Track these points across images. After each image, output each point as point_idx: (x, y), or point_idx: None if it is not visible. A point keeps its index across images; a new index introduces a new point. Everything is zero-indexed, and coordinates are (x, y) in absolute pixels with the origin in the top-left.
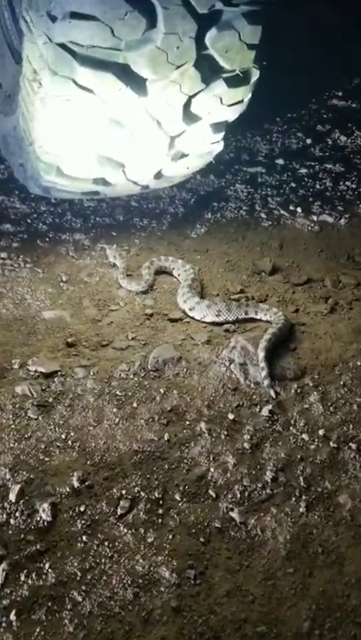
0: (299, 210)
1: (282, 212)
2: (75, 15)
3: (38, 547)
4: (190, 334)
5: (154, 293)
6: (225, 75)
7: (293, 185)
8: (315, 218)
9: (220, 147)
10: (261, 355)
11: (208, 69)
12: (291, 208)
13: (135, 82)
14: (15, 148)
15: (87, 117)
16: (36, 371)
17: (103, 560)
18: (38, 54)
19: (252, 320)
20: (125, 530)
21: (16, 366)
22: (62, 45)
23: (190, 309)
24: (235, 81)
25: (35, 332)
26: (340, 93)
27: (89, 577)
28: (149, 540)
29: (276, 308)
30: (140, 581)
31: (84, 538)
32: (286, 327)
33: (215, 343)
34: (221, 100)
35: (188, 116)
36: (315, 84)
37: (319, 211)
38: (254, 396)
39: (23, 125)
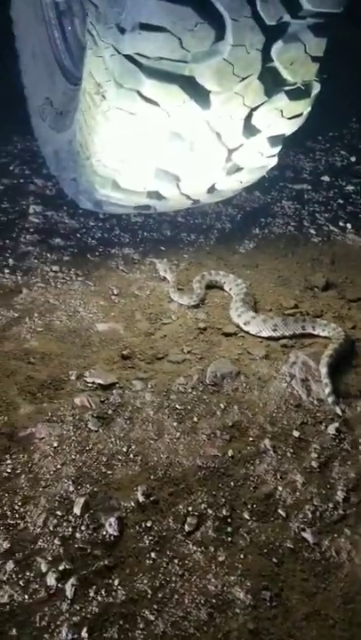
0: (349, 226)
1: (331, 227)
2: (144, 26)
3: (106, 562)
4: (247, 349)
5: (205, 307)
6: (287, 87)
7: (341, 201)
8: None
9: (274, 161)
10: (324, 370)
11: (271, 82)
12: (340, 224)
13: (199, 94)
14: (69, 162)
15: (149, 130)
16: (93, 382)
17: (174, 578)
18: (104, 67)
19: (310, 336)
20: (195, 548)
21: (73, 378)
22: (129, 57)
23: (245, 324)
24: (296, 94)
25: (89, 344)
26: None
27: (160, 595)
28: (220, 559)
29: (335, 324)
30: (214, 601)
31: (152, 554)
32: (348, 343)
33: (274, 358)
34: (282, 112)
35: (248, 128)
36: (353, 103)
37: None
38: (318, 414)
39: (80, 139)
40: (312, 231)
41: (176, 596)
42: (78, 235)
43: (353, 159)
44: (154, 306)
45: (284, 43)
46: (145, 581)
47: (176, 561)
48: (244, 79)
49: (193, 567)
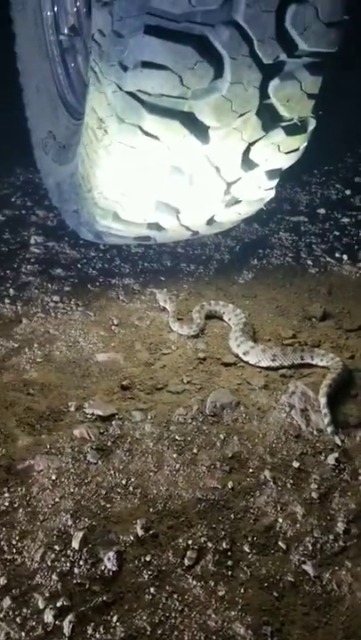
0: (345, 257)
1: (328, 259)
2: (146, 64)
3: (105, 598)
4: (246, 379)
5: (205, 337)
6: (284, 123)
7: (337, 233)
8: None
9: (272, 193)
10: (323, 400)
11: (269, 118)
12: (337, 255)
13: (199, 129)
14: (70, 195)
15: (150, 164)
16: (92, 414)
17: (173, 614)
18: (106, 103)
19: (308, 365)
20: (194, 582)
21: (72, 409)
22: (131, 94)
23: (244, 354)
24: (293, 129)
25: (89, 374)
26: None
27: (159, 632)
28: (220, 594)
29: (333, 354)
30: (214, 638)
31: (151, 590)
32: (346, 373)
33: (273, 388)
34: (279, 147)
35: (246, 162)
36: (347, 139)
37: None
38: (318, 444)
39: (82, 172)
40: (309, 262)
41: (176, 633)
42: (79, 265)
43: (348, 192)
44: (154, 336)
45: (280, 80)
46: (144, 617)
47: (176, 596)
48: (242, 115)
49: (193, 602)
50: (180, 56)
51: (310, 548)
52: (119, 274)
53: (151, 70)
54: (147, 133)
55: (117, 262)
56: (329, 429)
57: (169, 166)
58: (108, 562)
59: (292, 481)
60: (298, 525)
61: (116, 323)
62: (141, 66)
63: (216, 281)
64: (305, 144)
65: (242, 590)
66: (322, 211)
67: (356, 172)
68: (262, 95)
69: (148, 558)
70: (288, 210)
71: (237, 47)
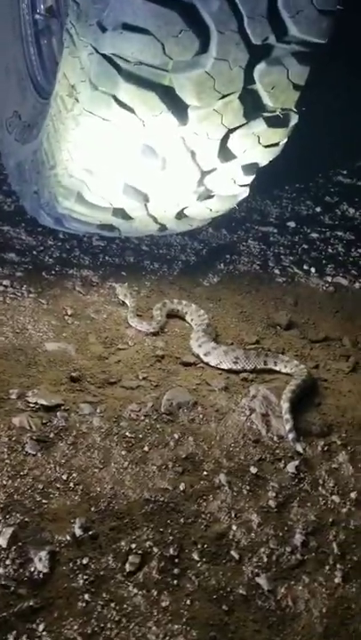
0: (313, 270)
1: (296, 270)
2: (127, 27)
3: (32, 603)
4: (206, 380)
5: (165, 336)
6: (266, 113)
7: (306, 247)
8: (329, 279)
9: (245, 192)
10: (286, 406)
11: (251, 104)
12: (305, 267)
13: (177, 106)
14: (32, 174)
15: (121, 140)
16: (36, 403)
17: (109, 624)
18: (79, 67)
19: (271, 371)
20: (135, 590)
21: (13, 396)
22: (108, 58)
23: (205, 354)
24: (275, 121)
25: (35, 363)
26: (344, 172)
27: None
28: (163, 605)
29: (297, 361)
30: None
31: (86, 596)
32: (310, 380)
33: (233, 391)
34: (259, 139)
35: (224, 152)
36: (319, 159)
37: (333, 273)
38: (278, 450)
39: (46, 147)
40: (277, 271)
41: None
42: (35, 252)
43: (318, 209)
44: (110, 330)
45: (267, 65)
46: (75, 627)
47: (113, 605)
48: (224, 97)
49: (132, 612)
50: (165, 21)
51: (265, 559)
52: (77, 265)
53: (132, 34)
54: (121, 104)
55: (77, 253)
56: (290, 436)
57: (142, 145)
58: (39, 563)
59: (248, 487)
60: (253, 535)
61: (69, 313)
62: (122, 27)
63: (180, 281)
64: (285, 140)
65: (188, 602)
66: (292, 224)
67: (326, 191)
68: (247, 78)
69: (84, 561)
70: (258, 220)
71: (226, 21)
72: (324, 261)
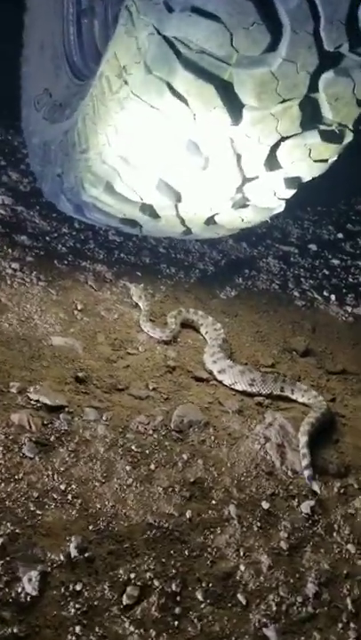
0: (333, 297)
1: (315, 295)
2: (196, 10)
3: (16, 630)
4: (219, 399)
5: (177, 346)
6: (323, 126)
7: (326, 272)
8: (349, 309)
9: (282, 207)
10: (304, 440)
11: (310, 114)
12: (325, 294)
13: (233, 104)
14: (58, 155)
15: (166, 131)
16: (38, 401)
17: None
18: (135, 48)
19: (287, 399)
20: (132, 628)
21: (14, 390)
22: (169, 41)
23: (220, 372)
24: (330, 135)
25: (39, 356)
26: None
27: None
28: None
29: (315, 392)
30: None
31: (76, 629)
32: (329, 414)
33: (247, 415)
34: (310, 152)
35: (271, 160)
36: (342, 187)
37: (353, 303)
38: (291, 487)
39: (81, 129)
40: (296, 294)
41: None
42: (48, 238)
43: (340, 236)
44: (120, 332)
45: (335, 74)
46: None
47: None
48: (284, 101)
49: None
50: (238, 10)
51: (274, 608)
52: (92, 258)
53: (200, 18)
54: (175, 92)
55: (91, 245)
56: (306, 473)
57: (187, 139)
58: (28, 584)
59: (259, 524)
60: (262, 578)
61: (79, 308)
62: (190, 10)
63: (196, 290)
64: (334, 158)
65: None
66: (313, 247)
67: (348, 218)
68: (312, 85)
69: (78, 587)
70: (279, 238)
71: (303, 20)
72: (344, 290)
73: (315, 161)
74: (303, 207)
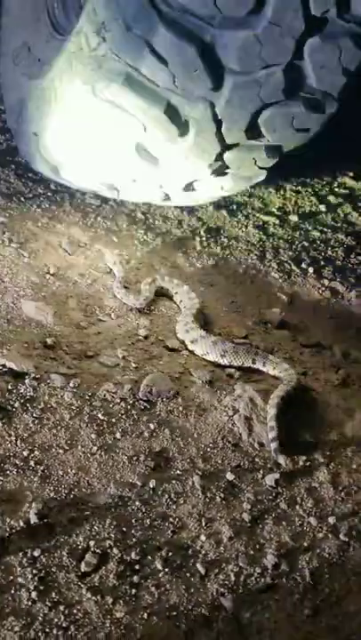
0: (311, 270)
1: (293, 267)
2: None
3: None
4: (190, 369)
5: (150, 314)
6: (306, 94)
7: (306, 244)
8: (326, 282)
9: (262, 176)
10: (272, 412)
11: (294, 81)
12: (303, 266)
13: (214, 68)
14: (34, 113)
15: (144, 93)
16: (4, 365)
17: (54, 631)
18: (115, 3)
19: (258, 371)
20: (89, 594)
21: None
22: None
23: (192, 342)
24: (313, 104)
25: (8, 320)
26: (350, 173)
27: None
28: (118, 616)
29: (287, 365)
30: None
31: (32, 594)
32: (299, 388)
33: (217, 386)
34: (293, 121)
35: (252, 127)
36: (327, 159)
37: (331, 277)
38: (257, 459)
39: (57, 86)
40: (274, 265)
41: None
42: (22, 198)
43: (322, 208)
44: (93, 298)
45: (321, 41)
46: (16, 629)
47: (62, 608)
48: (268, 67)
49: (82, 620)
50: None
51: (232, 578)
52: (67, 221)
53: None
54: (154, 52)
55: (67, 208)
56: (273, 446)
57: (165, 103)
58: None
59: (222, 495)
60: (222, 549)
61: (52, 272)
62: None
63: (173, 258)
64: (317, 129)
65: (145, 616)
66: (294, 218)
67: (331, 190)
68: (297, 51)
69: (36, 553)
70: (260, 207)
71: None
72: (322, 263)
73: (297, 130)
74: (286, 177)
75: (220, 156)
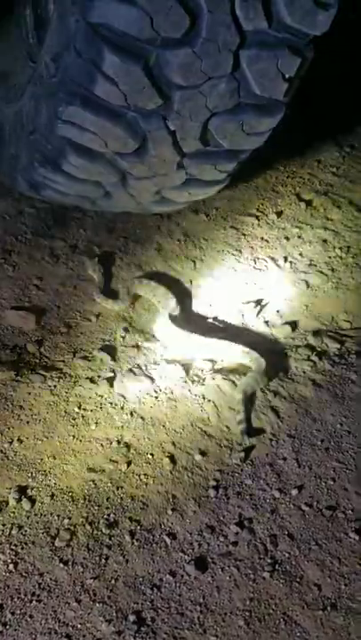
0: (287, 265)
1: (270, 263)
2: None
3: None
4: (165, 361)
5: (130, 314)
6: (252, 101)
7: (284, 241)
8: (302, 276)
9: (226, 180)
10: (239, 397)
11: (238, 90)
12: (279, 262)
13: (161, 83)
14: (12, 136)
15: (102, 112)
16: None
17: (28, 597)
18: (66, 33)
19: (231, 359)
20: (61, 565)
21: None
22: (94, 28)
23: (168, 339)
24: (261, 110)
25: None
26: (334, 169)
27: (7, 615)
28: (88, 583)
29: (257, 353)
30: (70, 630)
31: (10, 567)
32: (267, 373)
33: (190, 377)
34: (243, 125)
35: (206, 135)
36: (305, 154)
37: (307, 270)
38: (225, 441)
39: (28, 111)
40: (251, 262)
41: (26, 619)
42: (7, 216)
43: (302, 205)
44: (75, 304)
45: (257, 51)
46: None
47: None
48: (211, 79)
49: (53, 588)
50: None
51: (196, 547)
52: (49, 235)
53: (120, 4)
54: (105, 75)
55: (50, 222)
56: (240, 428)
57: (123, 120)
58: None
59: (190, 474)
60: (187, 521)
61: (34, 283)
62: None
63: (153, 262)
64: (269, 132)
65: (112, 582)
66: (273, 217)
67: (312, 190)
68: (235, 63)
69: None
70: (238, 209)
71: (218, 1)
72: (299, 256)
73: (248, 134)
74: (264, 176)
75: (180, 165)
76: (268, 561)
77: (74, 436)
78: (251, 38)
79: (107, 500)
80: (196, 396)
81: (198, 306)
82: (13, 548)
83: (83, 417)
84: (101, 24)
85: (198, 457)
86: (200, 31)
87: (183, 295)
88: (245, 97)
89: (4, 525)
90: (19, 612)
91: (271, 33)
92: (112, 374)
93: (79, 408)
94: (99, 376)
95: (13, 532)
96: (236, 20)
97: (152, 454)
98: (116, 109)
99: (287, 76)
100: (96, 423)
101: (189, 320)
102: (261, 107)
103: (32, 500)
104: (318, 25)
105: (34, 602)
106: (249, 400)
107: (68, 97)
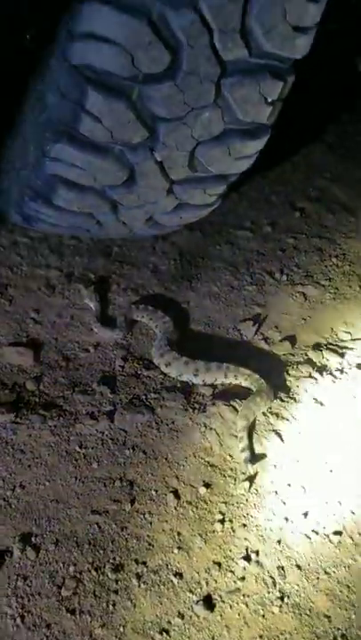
0: (284, 278)
1: (266, 277)
2: (94, 36)
3: None
4: (166, 391)
5: (128, 342)
6: (236, 127)
7: (279, 253)
8: (299, 288)
9: (218, 202)
10: (241, 424)
11: (222, 117)
12: (276, 275)
13: (146, 117)
14: (3, 172)
15: (89, 148)
16: None
17: None
18: (50, 74)
19: (232, 384)
20: (68, 615)
21: None
22: (77, 68)
23: (166, 365)
24: (246, 135)
25: None
26: (327, 175)
27: None
28: (96, 633)
29: (258, 375)
30: None
31: (17, 621)
32: (270, 398)
33: (191, 405)
34: (230, 151)
35: (193, 162)
36: (296, 164)
37: (304, 282)
38: (229, 470)
39: (18, 147)
40: (247, 278)
41: None
42: (1, 248)
43: (296, 215)
44: (73, 334)
45: (238, 79)
46: None
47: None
48: (194, 110)
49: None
50: (134, 32)
51: (204, 586)
52: (45, 265)
53: (100, 43)
54: (88, 113)
55: (45, 252)
56: (243, 456)
57: (110, 153)
58: None
59: (195, 509)
60: (195, 559)
61: (32, 316)
62: (90, 37)
63: (149, 285)
64: (257, 154)
65: (121, 629)
66: (268, 229)
67: (305, 197)
68: (218, 92)
69: (19, 583)
70: (233, 224)
71: (196, 35)
72: (295, 269)
73: (236, 159)
74: (259, 189)
75: (170, 191)
76: (277, 594)
77: (76, 478)
78: (232, 67)
79: (112, 542)
80: (197, 424)
81: (196, 326)
82: (20, 600)
83: (84, 456)
84: (83, 65)
85: (202, 490)
86: (181, 65)
87: (180, 317)
88: (230, 123)
89: (9, 578)
90: None
91: (252, 60)
92: (112, 407)
93: (80, 447)
94: (99, 411)
95: (19, 583)
96: (215, 51)
97: (156, 490)
98: (102, 145)
99: (270, 99)
100: (98, 462)
101: (187, 342)
102: (246, 131)
103: (36, 549)
104: (298, 49)
105: None
106: (251, 425)
107: (55, 135)
